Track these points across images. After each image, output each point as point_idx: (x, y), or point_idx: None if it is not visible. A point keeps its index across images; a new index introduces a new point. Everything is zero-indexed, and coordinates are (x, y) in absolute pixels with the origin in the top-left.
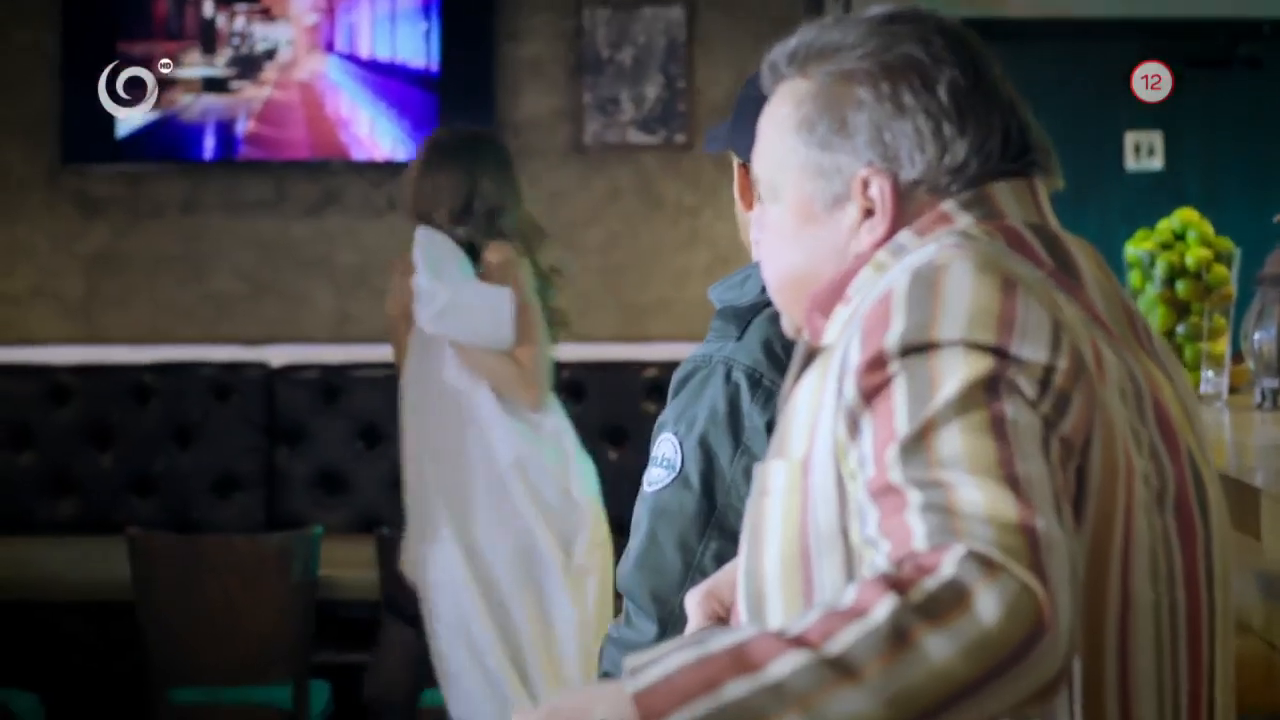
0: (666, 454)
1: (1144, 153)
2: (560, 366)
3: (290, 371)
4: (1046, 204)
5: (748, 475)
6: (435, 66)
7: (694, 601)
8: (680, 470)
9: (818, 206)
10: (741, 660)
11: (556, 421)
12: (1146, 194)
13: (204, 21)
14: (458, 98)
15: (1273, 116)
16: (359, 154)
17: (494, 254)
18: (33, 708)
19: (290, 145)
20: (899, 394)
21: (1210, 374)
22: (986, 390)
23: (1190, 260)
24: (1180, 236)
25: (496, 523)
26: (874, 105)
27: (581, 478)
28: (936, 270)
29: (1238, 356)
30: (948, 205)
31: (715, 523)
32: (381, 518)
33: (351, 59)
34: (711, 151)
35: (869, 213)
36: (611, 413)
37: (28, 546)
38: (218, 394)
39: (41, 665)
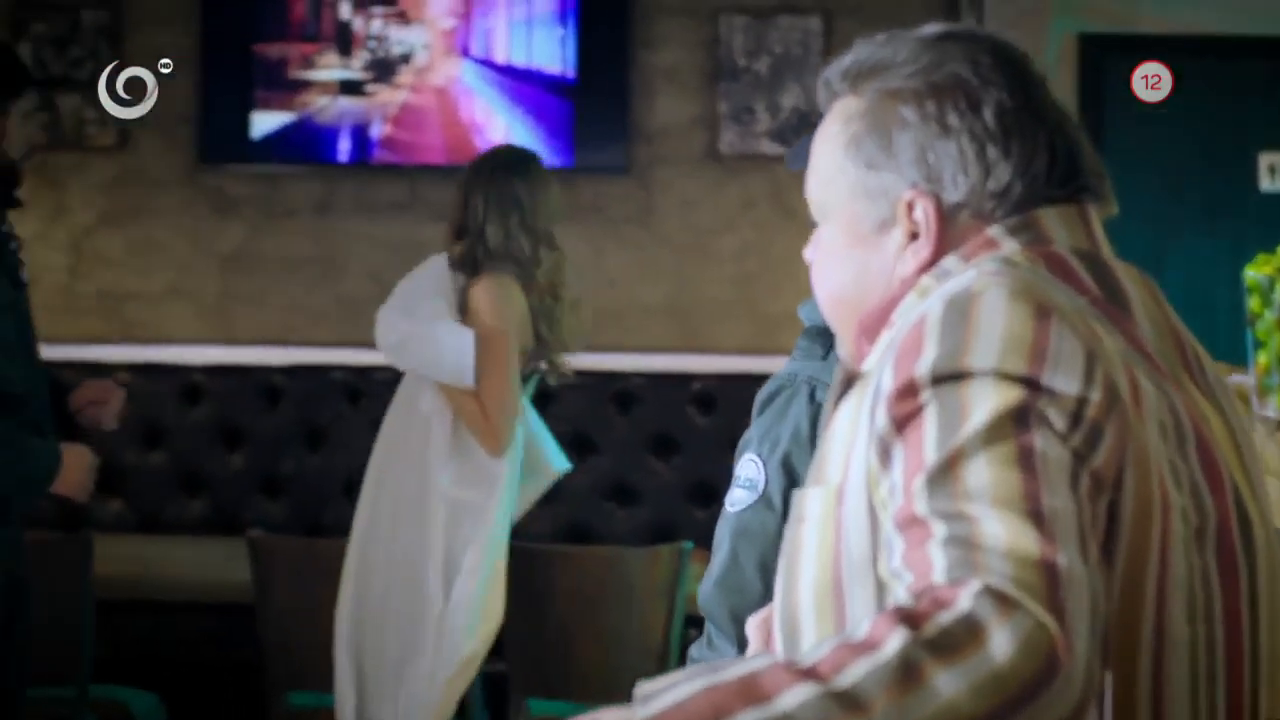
0: (750, 474)
1: (1278, 174)
2: (691, 378)
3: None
4: (1099, 230)
5: None
6: (571, 73)
7: (753, 626)
8: (763, 491)
9: (866, 228)
10: (751, 690)
11: (509, 473)
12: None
13: (340, 24)
14: (593, 105)
15: None
16: None
17: (477, 289)
18: (153, 708)
19: (424, 149)
20: (929, 423)
21: None
22: (1016, 421)
23: None
24: None
25: (399, 554)
26: (919, 125)
27: (494, 545)
28: (970, 298)
29: None
30: (994, 230)
31: None
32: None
33: (487, 64)
34: (794, 169)
35: (914, 236)
36: (741, 426)
37: (156, 546)
38: (349, 397)
39: (162, 666)
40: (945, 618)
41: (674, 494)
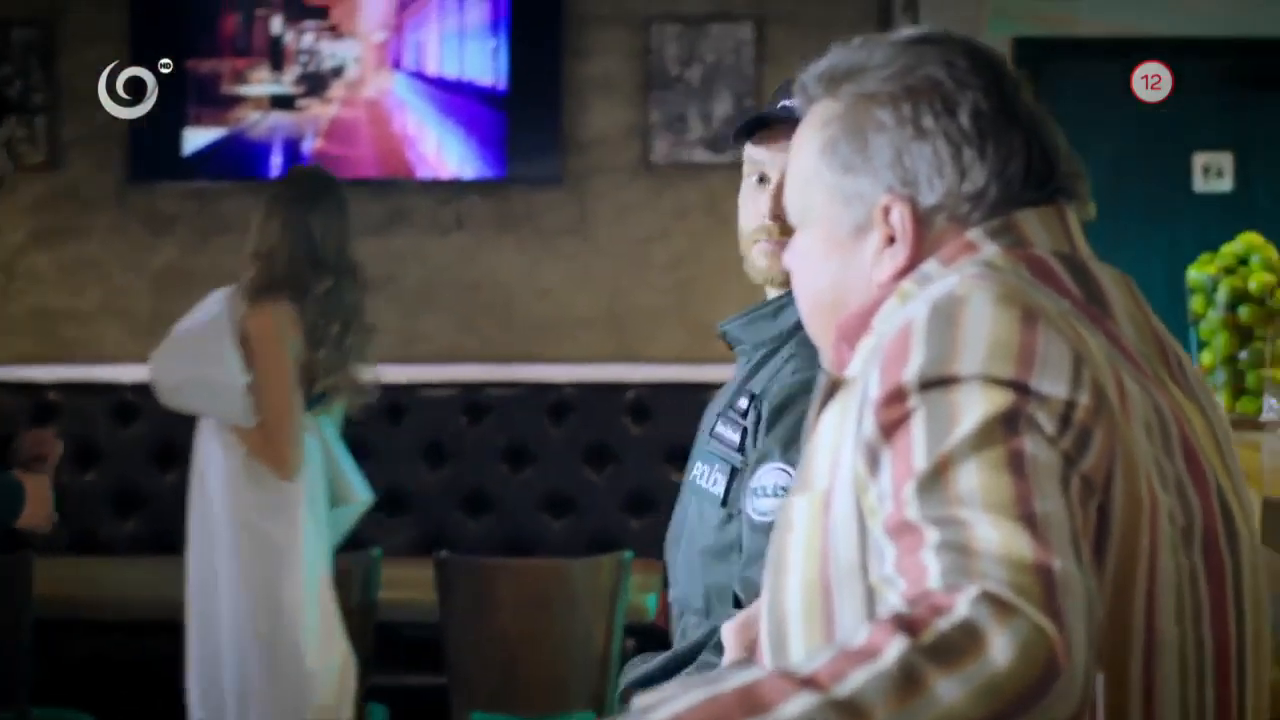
0: (779, 482)
1: (1213, 174)
2: (626, 387)
3: None
4: (1078, 232)
5: None
6: (503, 84)
7: (730, 631)
8: None
9: (843, 233)
10: (751, 701)
11: (308, 500)
12: (1215, 216)
13: (272, 39)
14: (525, 115)
15: None
16: (425, 172)
17: (251, 321)
18: None
19: (357, 163)
20: (917, 429)
21: (1274, 401)
22: (1005, 426)
23: (1254, 285)
24: (1244, 261)
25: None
26: (894, 128)
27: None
28: (956, 302)
29: None
30: (973, 234)
31: None
32: (444, 538)
33: (419, 76)
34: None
35: (890, 240)
36: (676, 435)
37: (92, 566)
38: None
39: (100, 686)
40: (944, 624)
41: (610, 504)
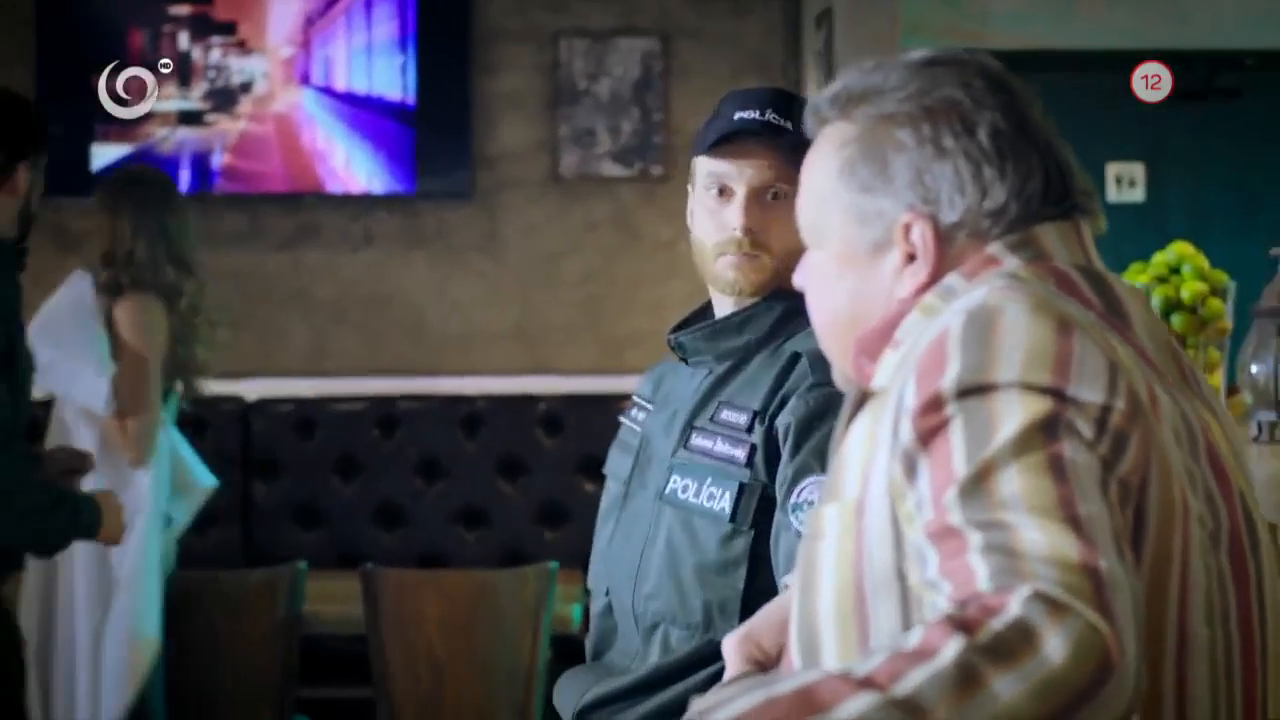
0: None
1: (1125, 184)
2: (537, 400)
3: (266, 405)
4: (1092, 246)
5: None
6: (411, 99)
7: (731, 645)
8: None
9: (861, 251)
10: (809, 702)
11: (154, 488)
12: (1129, 226)
13: (180, 54)
14: (434, 130)
15: (1253, 147)
16: (335, 187)
17: (120, 310)
18: None
19: (266, 178)
20: (956, 436)
21: None
22: (1044, 431)
23: (1186, 294)
24: (1175, 270)
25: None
26: (914, 148)
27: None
28: (991, 312)
29: (1233, 389)
30: (994, 248)
31: None
32: (361, 550)
33: (327, 92)
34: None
35: (911, 258)
36: (589, 446)
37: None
38: (193, 427)
39: None
40: (998, 623)
41: (523, 516)
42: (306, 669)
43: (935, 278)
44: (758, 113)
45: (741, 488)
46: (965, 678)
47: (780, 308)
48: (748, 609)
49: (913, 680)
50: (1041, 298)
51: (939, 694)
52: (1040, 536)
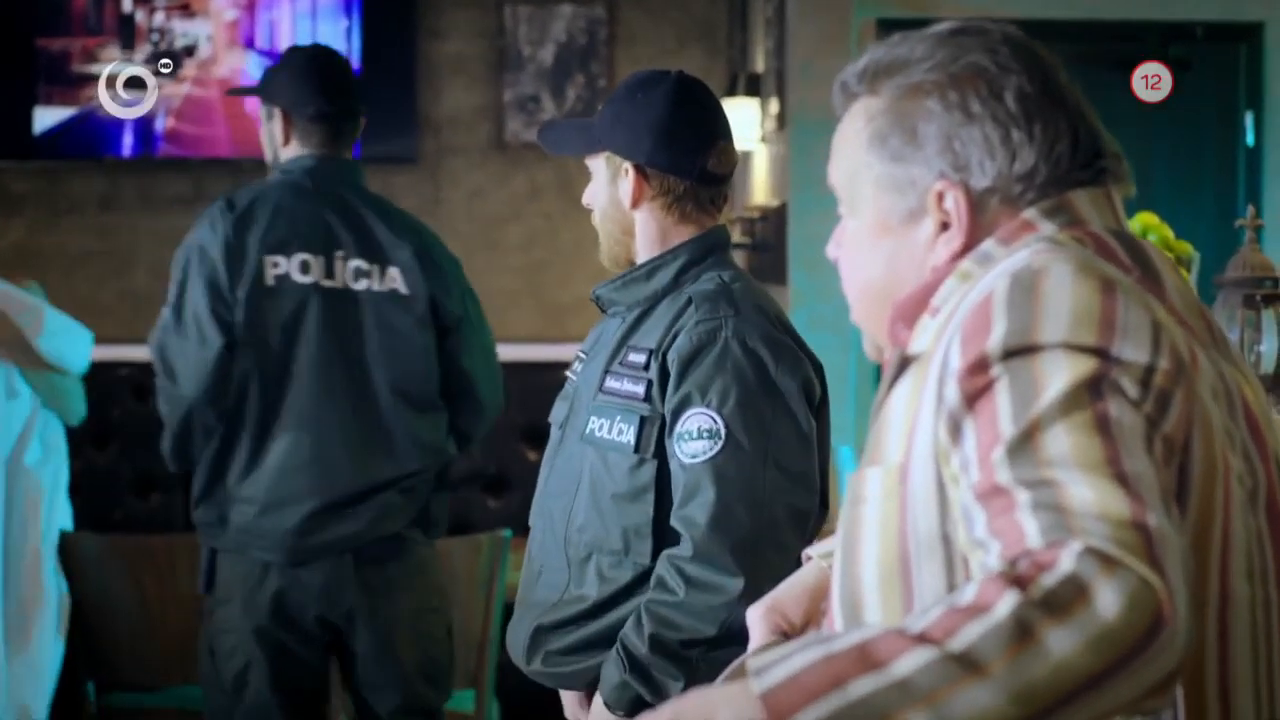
0: (704, 425)
1: None
2: None
3: None
4: (1123, 212)
5: (795, 433)
6: (356, 64)
7: (756, 615)
8: (727, 436)
9: (894, 220)
10: (867, 657)
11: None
12: None
13: (123, 17)
14: (379, 95)
15: (1203, 118)
16: None
17: None
18: None
19: (209, 142)
20: (1002, 397)
21: None
22: (1090, 391)
23: None
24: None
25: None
26: (943, 115)
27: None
28: (1035, 274)
29: None
30: (1029, 214)
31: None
32: None
33: (271, 55)
34: (571, 155)
35: (944, 226)
36: (530, 413)
37: None
38: (136, 393)
39: None
40: (1051, 578)
41: (466, 483)
42: None
43: (969, 245)
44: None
45: (642, 420)
46: (1020, 631)
47: (685, 257)
48: (660, 533)
49: (968, 635)
50: (1084, 259)
51: (995, 648)
52: (1089, 493)
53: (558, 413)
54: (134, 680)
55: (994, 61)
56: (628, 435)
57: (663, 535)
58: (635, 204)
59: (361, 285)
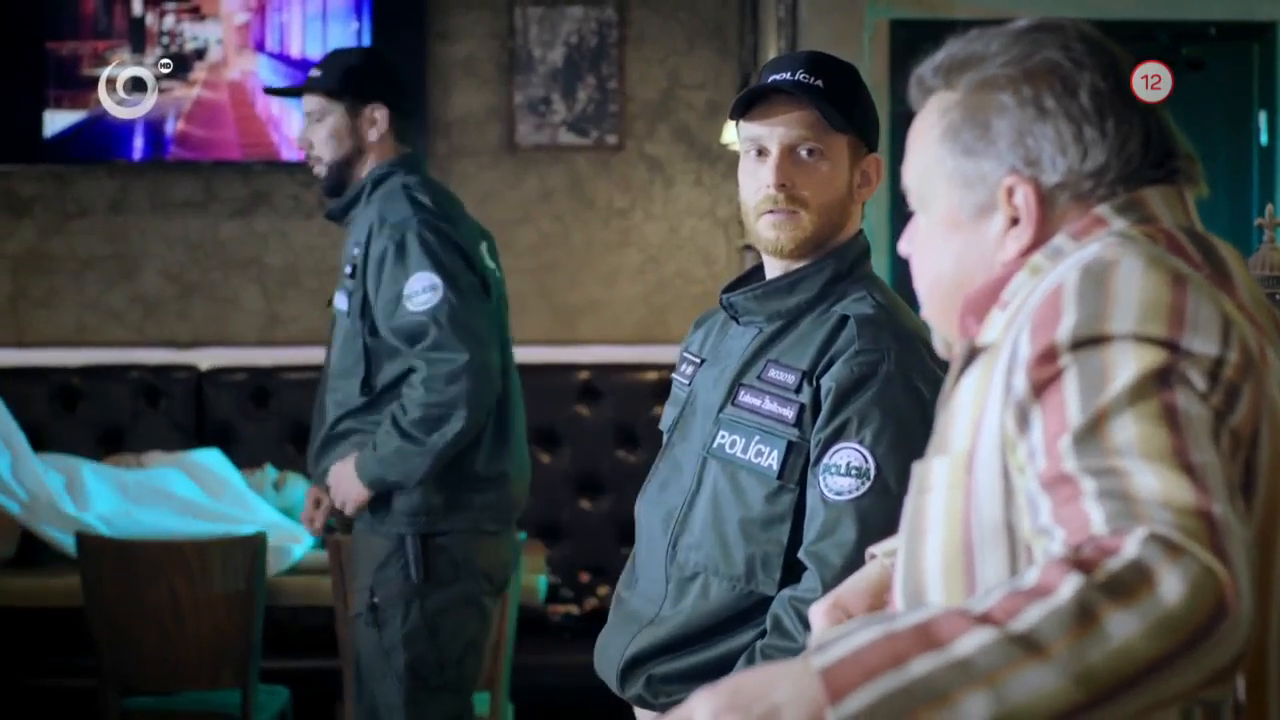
0: (854, 462)
1: None
2: None
3: (219, 374)
4: (1194, 211)
5: None
6: None
7: (820, 611)
8: (875, 477)
9: (964, 215)
10: (928, 637)
11: None
12: None
13: (133, 20)
14: None
15: (1216, 118)
16: (289, 154)
17: None
18: None
19: (220, 145)
20: (1070, 386)
21: None
22: (1158, 381)
23: None
24: None
25: None
26: (1016, 110)
27: None
28: (1106, 266)
29: None
30: (1101, 210)
31: None
32: None
33: (282, 58)
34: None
35: (1014, 221)
36: (543, 416)
37: None
38: (147, 397)
39: None
40: (1115, 563)
41: None
42: (275, 639)
43: (1038, 240)
44: (789, 74)
45: (790, 446)
46: (1082, 615)
47: (830, 270)
48: (789, 564)
49: (1030, 617)
50: (1155, 253)
51: (1056, 630)
52: (1155, 482)
53: (668, 419)
54: (160, 685)
55: (1068, 58)
56: (770, 460)
57: (791, 567)
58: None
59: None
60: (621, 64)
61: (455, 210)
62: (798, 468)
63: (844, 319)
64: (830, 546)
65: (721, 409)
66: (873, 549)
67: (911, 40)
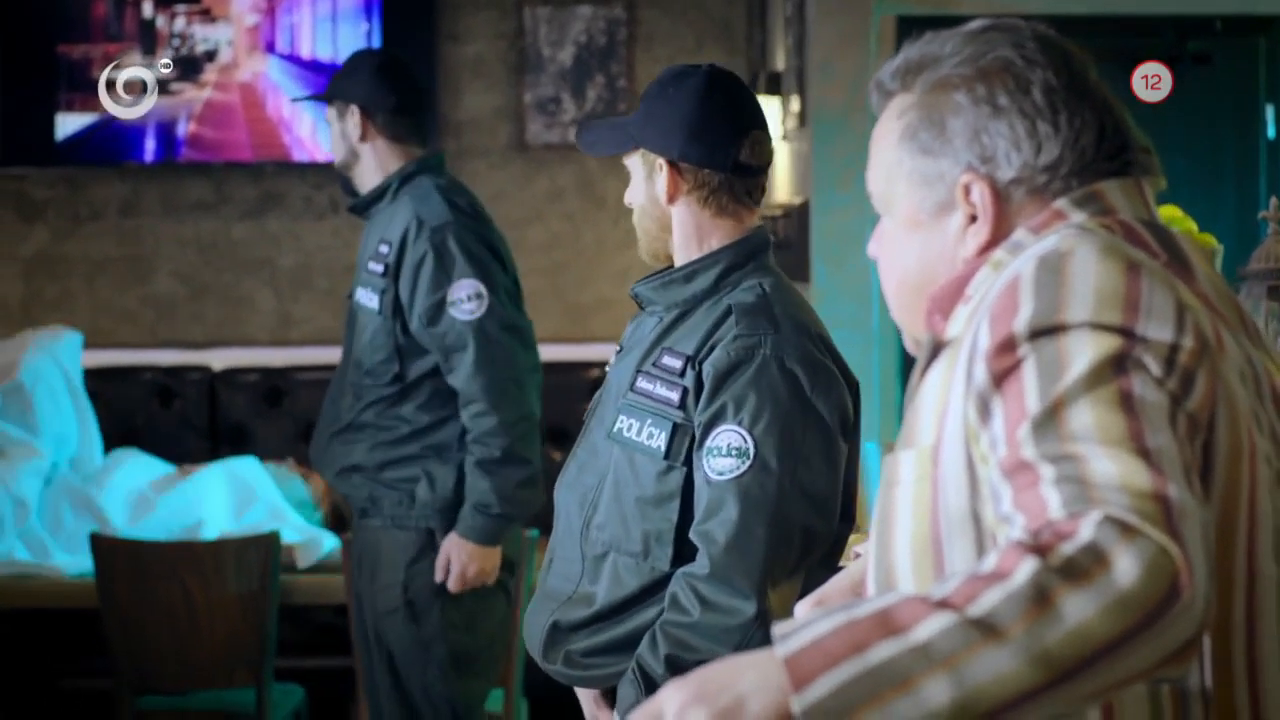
0: (734, 443)
1: None
2: None
3: (232, 375)
4: (1153, 203)
5: (824, 456)
6: None
7: (804, 610)
8: (755, 456)
9: (925, 214)
10: (888, 623)
11: None
12: None
13: (144, 23)
14: None
15: (1223, 112)
16: (300, 155)
17: None
18: None
19: (231, 147)
20: (1029, 375)
21: None
22: (1114, 368)
23: None
24: None
25: None
26: (970, 108)
27: None
28: (1062, 256)
29: None
30: (1060, 203)
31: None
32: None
33: (292, 59)
34: (608, 154)
35: (973, 218)
36: (554, 413)
37: None
38: (160, 398)
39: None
40: (1070, 546)
41: None
42: (290, 637)
43: (997, 236)
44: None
45: (675, 427)
46: (1038, 597)
47: (725, 262)
48: (681, 540)
49: (988, 600)
50: (1110, 242)
51: (1013, 613)
52: (1111, 466)
53: (592, 404)
54: (175, 684)
55: (1021, 56)
56: (658, 441)
57: (684, 543)
58: (671, 199)
59: None
60: (630, 63)
61: (485, 212)
62: (683, 448)
63: (730, 308)
64: (716, 525)
65: (624, 395)
66: (858, 548)
67: (918, 36)
